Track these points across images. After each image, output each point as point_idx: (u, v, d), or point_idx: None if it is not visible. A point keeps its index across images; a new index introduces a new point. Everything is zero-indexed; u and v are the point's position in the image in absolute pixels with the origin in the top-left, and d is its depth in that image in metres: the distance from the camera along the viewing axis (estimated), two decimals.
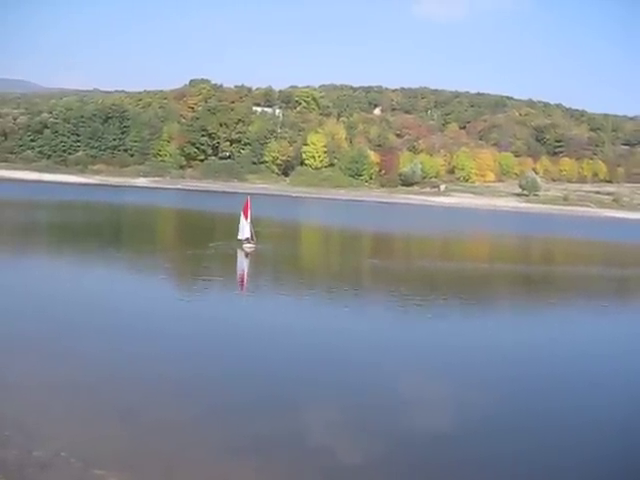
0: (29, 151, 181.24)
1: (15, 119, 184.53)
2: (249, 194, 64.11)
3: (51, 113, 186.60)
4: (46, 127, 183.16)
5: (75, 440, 17.27)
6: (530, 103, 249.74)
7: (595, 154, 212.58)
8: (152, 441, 17.89)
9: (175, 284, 44.30)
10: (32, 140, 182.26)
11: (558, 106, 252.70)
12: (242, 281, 46.62)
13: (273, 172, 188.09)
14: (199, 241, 64.19)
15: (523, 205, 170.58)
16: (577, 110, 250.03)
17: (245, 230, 55.23)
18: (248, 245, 54.89)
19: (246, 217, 55.15)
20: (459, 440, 19.77)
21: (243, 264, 51.94)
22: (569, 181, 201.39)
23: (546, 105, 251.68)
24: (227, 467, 16.78)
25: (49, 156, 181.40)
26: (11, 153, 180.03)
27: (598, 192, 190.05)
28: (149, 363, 24.76)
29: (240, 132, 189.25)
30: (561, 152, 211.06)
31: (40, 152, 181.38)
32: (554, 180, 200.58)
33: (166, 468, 16.42)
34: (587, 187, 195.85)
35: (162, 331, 29.46)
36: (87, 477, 15.54)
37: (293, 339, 30.29)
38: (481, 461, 18.42)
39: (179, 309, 35.11)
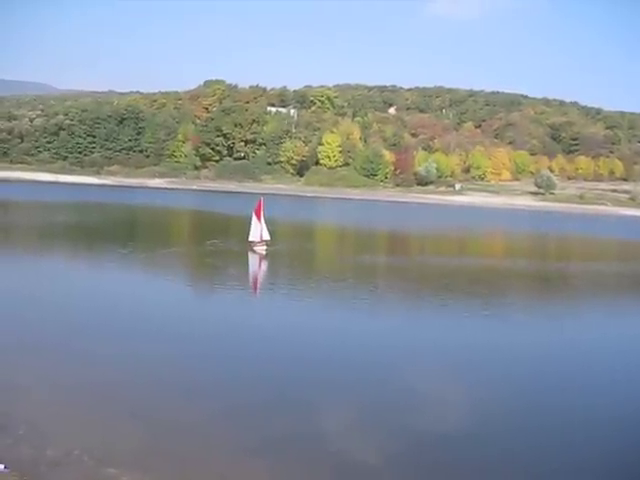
0: (45, 153, 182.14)
1: (31, 121, 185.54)
2: (263, 194, 64.40)
3: (67, 115, 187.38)
4: (62, 129, 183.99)
5: (88, 439, 17.46)
6: (545, 101, 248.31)
7: (611, 152, 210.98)
8: (165, 441, 18.03)
9: (178, 282, 44.63)
10: (48, 142, 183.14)
11: (574, 104, 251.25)
12: (255, 283, 46.59)
13: (288, 172, 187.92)
14: (201, 239, 65.07)
15: (539, 204, 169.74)
16: (593, 108, 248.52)
17: (257, 232, 54.77)
18: (260, 247, 54.58)
19: (259, 218, 54.76)
20: (485, 437, 19.85)
21: (255, 266, 51.86)
22: (585, 179, 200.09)
23: (561, 103, 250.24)
24: (238, 469, 16.83)
25: (65, 158, 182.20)
26: (27, 155, 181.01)
27: (614, 190, 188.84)
28: (161, 363, 24.90)
29: (255, 132, 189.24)
30: (577, 150, 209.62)
31: (56, 154, 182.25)
32: (570, 178, 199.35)
33: (179, 467, 16.55)
34: (603, 185, 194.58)
35: (169, 332, 29.56)
36: (100, 475, 15.70)
37: (308, 340, 30.39)
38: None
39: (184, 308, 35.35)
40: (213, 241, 61.41)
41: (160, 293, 39.75)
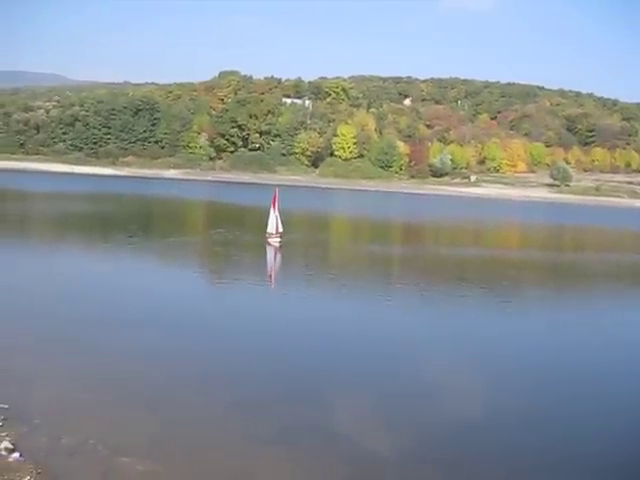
0: (61, 144, 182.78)
1: (47, 112, 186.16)
2: (278, 186, 64.48)
3: (82, 106, 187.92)
4: (77, 120, 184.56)
5: (103, 428, 17.52)
6: (561, 92, 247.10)
7: (628, 144, 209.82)
8: (179, 430, 18.07)
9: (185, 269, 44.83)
10: (64, 133, 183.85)
11: (590, 95, 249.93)
12: (271, 274, 46.65)
13: (302, 163, 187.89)
14: (211, 228, 65.55)
15: (555, 195, 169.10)
16: (609, 99, 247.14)
17: (272, 223, 54.84)
18: (274, 240, 54.63)
19: (274, 209, 54.77)
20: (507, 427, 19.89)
21: (271, 258, 51.92)
22: (601, 171, 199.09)
23: (578, 94, 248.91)
24: (251, 459, 16.88)
25: (80, 149, 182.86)
26: (43, 146, 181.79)
27: (631, 182, 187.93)
28: (176, 353, 25.01)
29: (270, 123, 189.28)
30: (593, 142, 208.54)
31: (72, 145, 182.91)
32: (586, 170, 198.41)
33: (193, 457, 16.58)
34: (619, 177, 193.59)
35: (183, 323, 29.67)
36: (114, 464, 15.76)
37: (324, 331, 30.43)
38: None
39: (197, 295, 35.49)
40: (218, 230, 62.74)
41: (171, 283, 39.82)
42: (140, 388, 20.91)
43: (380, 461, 17.25)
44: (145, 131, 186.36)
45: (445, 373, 24.57)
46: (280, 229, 54.86)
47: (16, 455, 15.66)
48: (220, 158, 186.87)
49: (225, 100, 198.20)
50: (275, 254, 52.08)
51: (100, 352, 24.26)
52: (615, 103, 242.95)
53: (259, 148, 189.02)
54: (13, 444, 16.14)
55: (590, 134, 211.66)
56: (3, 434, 16.67)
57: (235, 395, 20.98)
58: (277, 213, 54.71)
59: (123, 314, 30.38)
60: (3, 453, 15.68)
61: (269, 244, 54.17)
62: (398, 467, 17.13)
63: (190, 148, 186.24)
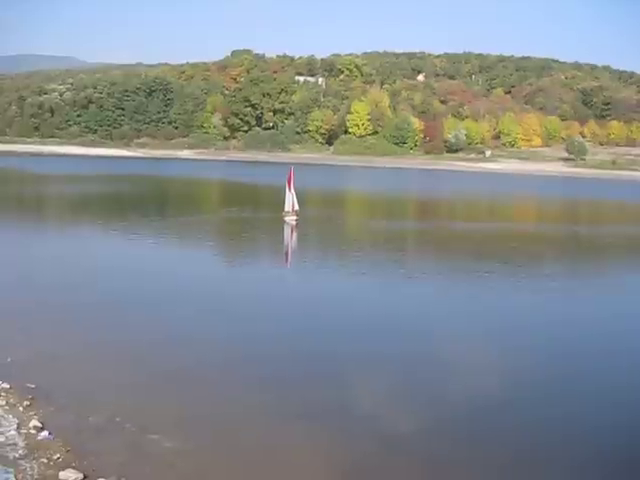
0: (75, 126, 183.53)
1: (61, 95, 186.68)
2: (292, 164, 64.53)
3: (96, 88, 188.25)
4: (91, 102, 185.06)
5: (129, 406, 17.75)
6: (576, 65, 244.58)
7: None
8: (205, 408, 18.29)
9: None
10: (78, 115, 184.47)
11: (605, 68, 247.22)
12: (288, 253, 46.68)
13: (317, 141, 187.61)
14: (224, 207, 65.94)
15: (571, 170, 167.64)
16: (625, 71, 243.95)
17: (289, 202, 54.85)
18: (291, 218, 54.61)
19: (290, 188, 54.76)
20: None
21: (287, 236, 51.97)
22: (617, 144, 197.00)
23: (593, 67, 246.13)
24: (277, 435, 17.06)
25: (95, 131, 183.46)
26: (58, 129, 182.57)
27: None
28: (200, 332, 25.22)
29: (283, 102, 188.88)
30: (609, 115, 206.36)
31: (86, 127, 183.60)
32: (602, 144, 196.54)
33: (219, 434, 16.82)
34: (636, 150, 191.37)
35: (202, 303, 29.84)
36: (142, 441, 15.96)
37: (343, 311, 30.53)
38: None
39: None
40: (233, 209, 64.45)
41: (191, 264, 40.07)
42: (163, 368, 21.09)
43: (401, 439, 17.36)
44: (159, 112, 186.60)
45: (463, 349, 24.64)
46: (296, 207, 54.86)
47: (45, 433, 15.87)
48: (234, 137, 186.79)
49: (238, 79, 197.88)
50: (292, 232, 52.12)
51: (123, 332, 24.54)
52: (631, 75, 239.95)
53: (273, 127, 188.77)
54: (42, 423, 16.38)
55: (606, 107, 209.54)
56: (31, 413, 16.94)
57: (259, 373, 21.15)
58: (293, 191, 54.71)
59: (146, 295, 30.71)
60: (32, 432, 15.90)
61: (285, 222, 54.19)
62: (417, 442, 17.28)
63: (204, 128, 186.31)
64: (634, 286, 38.90)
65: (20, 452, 14.93)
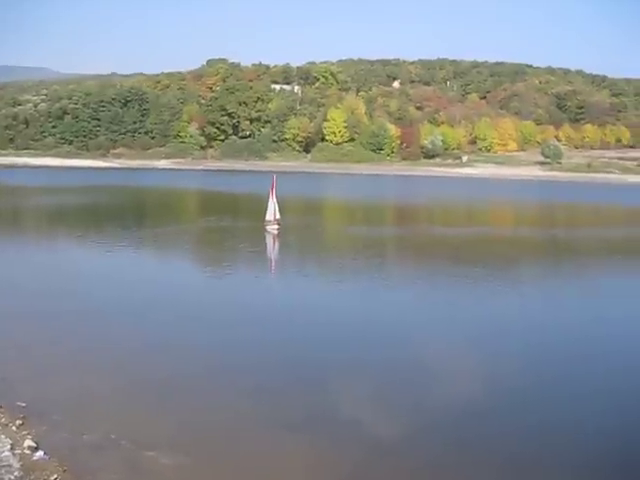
0: (50, 137, 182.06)
1: (35, 106, 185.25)
2: (270, 172, 64.66)
3: (71, 99, 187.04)
4: (66, 113, 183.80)
5: (124, 422, 17.53)
6: (550, 70, 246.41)
7: (618, 119, 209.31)
8: (200, 422, 18.11)
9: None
10: (53, 126, 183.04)
11: (578, 72, 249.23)
12: (271, 263, 46.48)
13: (294, 149, 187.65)
14: (201, 217, 65.71)
15: (547, 173, 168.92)
16: (598, 76, 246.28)
17: (271, 210, 54.66)
18: (272, 227, 54.38)
19: (272, 196, 54.60)
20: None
21: (269, 245, 51.82)
22: (592, 148, 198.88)
23: (566, 72, 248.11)
24: (276, 448, 16.93)
25: (71, 142, 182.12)
26: (33, 140, 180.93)
27: (622, 158, 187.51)
28: (186, 342, 25.06)
29: (260, 110, 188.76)
30: (583, 119, 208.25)
31: (62, 138, 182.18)
32: (577, 147, 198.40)
33: (216, 448, 16.64)
34: (611, 153, 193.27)
35: (187, 314, 29.55)
36: (139, 459, 15.76)
37: (329, 318, 30.43)
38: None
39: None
40: (209, 218, 64.91)
41: (173, 274, 39.90)
42: (154, 381, 20.93)
43: (397, 448, 17.32)
44: (135, 122, 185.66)
45: (445, 355, 24.60)
46: (277, 216, 54.71)
47: (40, 453, 15.61)
48: (211, 147, 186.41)
49: (214, 88, 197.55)
50: (274, 241, 51.99)
51: (109, 344, 24.35)
52: (604, 79, 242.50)
53: (250, 135, 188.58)
54: (36, 442, 16.10)
55: (580, 111, 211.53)
56: (24, 432, 16.65)
57: (249, 384, 21.03)
58: (275, 200, 54.57)
59: (132, 309, 30.39)
60: (27, 452, 15.62)
61: (267, 232, 54.01)
62: (405, 448, 17.31)
63: (180, 137, 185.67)
64: (612, 289, 39.13)
65: (16, 474, 14.64)
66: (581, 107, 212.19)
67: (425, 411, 19.70)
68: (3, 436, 16.20)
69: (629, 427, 19.14)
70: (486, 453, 17.20)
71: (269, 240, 52.52)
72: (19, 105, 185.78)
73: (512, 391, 21.45)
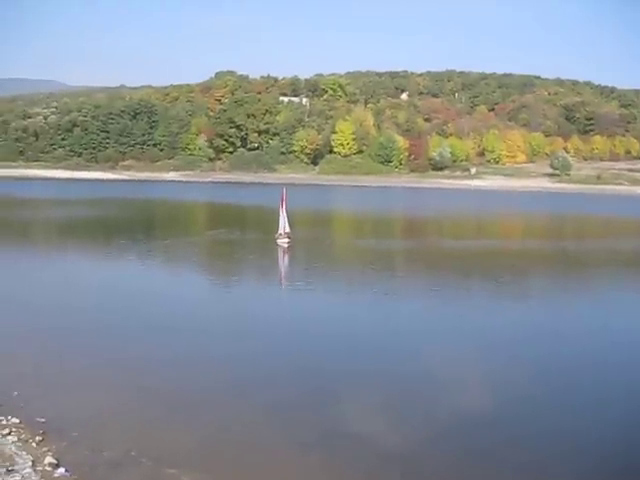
0: (60, 150, 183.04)
1: (45, 119, 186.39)
2: (282, 185, 64.69)
3: (80, 111, 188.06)
4: (76, 125, 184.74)
5: (144, 439, 17.53)
6: (558, 81, 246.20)
7: (627, 131, 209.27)
8: (219, 438, 18.11)
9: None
10: (63, 139, 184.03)
11: (587, 83, 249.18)
12: (282, 277, 46.34)
13: (302, 161, 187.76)
14: (208, 229, 65.57)
15: (555, 185, 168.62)
16: (607, 87, 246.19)
17: (281, 224, 54.66)
18: (284, 240, 54.37)
19: (282, 210, 54.57)
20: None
21: (281, 259, 51.80)
22: (601, 159, 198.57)
23: (575, 83, 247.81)
24: (295, 464, 16.94)
25: (80, 154, 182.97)
26: (43, 152, 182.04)
27: (631, 169, 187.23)
28: (201, 355, 25.12)
29: (268, 122, 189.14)
30: (592, 130, 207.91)
31: (71, 150, 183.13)
32: (586, 159, 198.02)
33: (236, 465, 16.61)
34: (620, 165, 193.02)
35: (201, 329, 29.56)
36: (160, 476, 15.74)
37: (342, 331, 30.38)
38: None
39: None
40: (218, 231, 64.87)
41: (186, 288, 39.98)
42: (170, 396, 20.93)
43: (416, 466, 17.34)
44: (144, 134, 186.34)
45: (457, 366, 24.65)
46: (287, 229, 54.72)
47: (61, 470, 15.60)
48: (219, 159, 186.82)
49: (222, 100, 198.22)
50: (284, 255, 51.98)
51: (125, 358, 24.39)
52: (613, 90, 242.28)
53: (258, 147, 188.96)
54: (57, 459, 16.08)
55: (589, 122, 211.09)
56: (45, 449, 16.65)
57: (263, 398, 21.01)
58: (285, 213, 54.58)
59: (145, 322, 30.45)
60: (48, 469, 15.60)
61: (278, 245, 54.06)
62: (415, 459, 17.41)
63: (189, 150, 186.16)
64: (621, 301, 39.08)
65: None
66: (590, 118, 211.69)
67: (436, 421, 19.75)
68: (24, 452, 16.22)
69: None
70: (495, 463, 17.33)
71: (279, 253, 52.53)
72: (29, 118, 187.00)
73: (522, 400, 21.55)
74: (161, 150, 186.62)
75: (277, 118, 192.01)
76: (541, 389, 22.66)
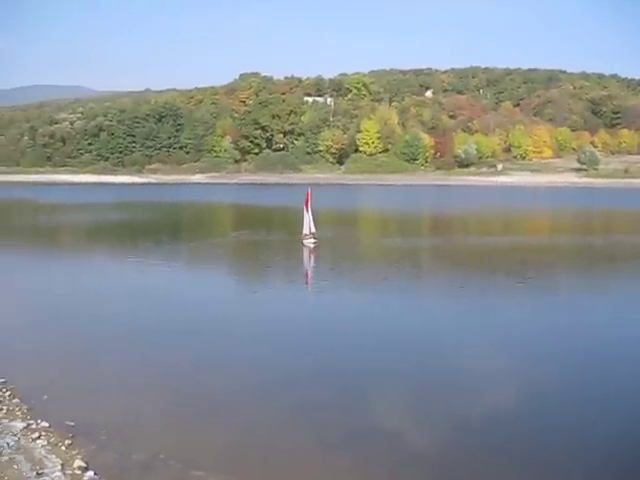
0: (87, 154, 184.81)
1: (72, 124, 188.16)
2: (304, 185, 64.71)
3: (106, 116, 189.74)
4: (102, 130, 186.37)
5: (171, 442, 17.59)
6: (584, 75, 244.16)
7: None
8: (246, 440, 18.12)
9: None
10: (89, 144, 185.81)
11: (613, 76, 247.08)
12: (308, 277, 46.25)
13: (327, 161, 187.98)
14: (234, 230, 65.75)
15: (583, 180, 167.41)
16: (634, 79, 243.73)
17: (306, 224, 54.66)
18: (310, 241, 54.42)
19: (307, 209, 54.55)
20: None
21: (307, 259, 51.79)
22: (629, 153, 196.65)
23: (601, 76, 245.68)
24: (322, 465, 16.94)
25: (107, 158, 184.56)
26: (70, 157, 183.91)
27: None
28: (228, 358, 25.21)
29: (293, 123, 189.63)
30: (619, 124, 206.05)
31: (98, 155, 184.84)
32: (613, 153, 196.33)
33: (263, 467, 16.60)
34: None
35: (227, 331, 29.69)
36: (188, 479, 15.80)
37: (369, 330, 30.31)
38: None
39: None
40: (241, 232, 65.66)
41: (212, 289, 40.20)
42: (197, 399, 21.00)
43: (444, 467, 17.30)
44: (169, 137, 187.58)
45: (482, 362, 24.61)
46: (312, 229, 54.66)
47: (90, 474, 15.66)
48: (245, 160, 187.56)
49: (247, 102, 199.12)
50: (310, 255, 51.96)
51: (152, 362, 24.50)
52: (639, 83, 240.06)
53: (283, 148, 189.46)
54: (86, 462, 16.14)
55: (616, 116, 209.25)
56: (74, 452, 16.73)
57: (290, 399, 21.03)
58: (310, 213, 54.55)
59: (171, 325, 30.47)
60: (77, 472, 15.67)
61: (304, 245, 54.11)
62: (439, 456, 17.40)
63: (215, 152, 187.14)
64: None
65: None
66: (617, 112, 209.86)
67: (455, 418, 19.71)
68: (54, 456, 16.32)
69: None
70: (516, 458, 17.34)
71: (305, 253, 52.55)
72: (56, 124, 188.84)
73: (542, 396, 21.45)
74: (187, 153, 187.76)
75: (302, 118, 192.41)
76: (563, 385, 22.59)
